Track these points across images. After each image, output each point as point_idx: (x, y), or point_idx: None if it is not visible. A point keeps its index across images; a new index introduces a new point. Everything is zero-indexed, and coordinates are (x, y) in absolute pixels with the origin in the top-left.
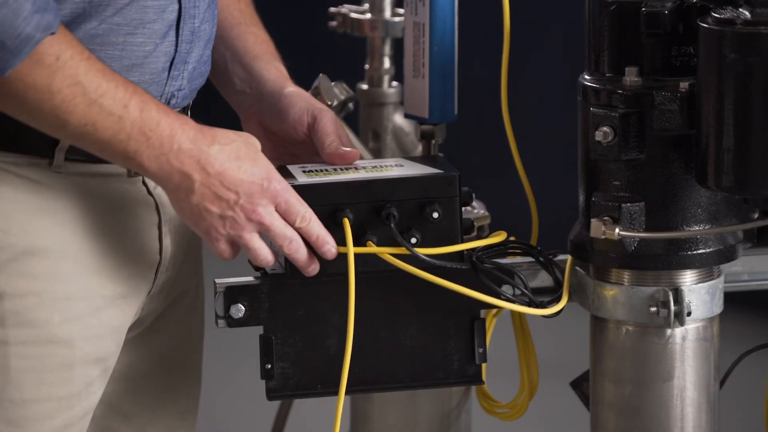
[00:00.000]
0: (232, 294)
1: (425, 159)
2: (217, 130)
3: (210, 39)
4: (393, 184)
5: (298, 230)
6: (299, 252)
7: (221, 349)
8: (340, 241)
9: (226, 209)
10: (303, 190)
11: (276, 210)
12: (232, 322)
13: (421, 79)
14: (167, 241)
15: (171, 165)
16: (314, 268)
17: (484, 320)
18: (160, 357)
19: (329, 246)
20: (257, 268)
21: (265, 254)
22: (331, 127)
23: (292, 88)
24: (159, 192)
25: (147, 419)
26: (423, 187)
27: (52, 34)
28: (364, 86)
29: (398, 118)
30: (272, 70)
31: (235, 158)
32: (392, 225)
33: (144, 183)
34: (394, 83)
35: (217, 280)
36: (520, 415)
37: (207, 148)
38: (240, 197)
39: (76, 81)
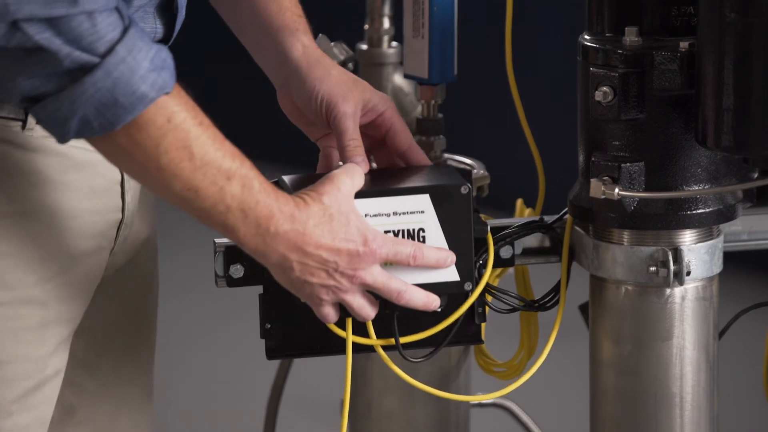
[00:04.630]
0: (232, 254)
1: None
2: (310, 197)
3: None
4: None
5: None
6: (413, 299)
7: (221, 307)
8: None
9: (327, 279)
10: None
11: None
12: (232, 282)
13: (420, 39)
14: (129, 198)
15: (267, 245)
16: (436, 303)
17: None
18: (122, 309)
19: (451, 258)
20: None
21: (366, 312)
22: (346, 123)
23: (317, 71)
24: None
25: (111, 372)
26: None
27: (167, 94)
28: (364, 46)
29: (398, 79)
30: (297, 45)
31: (329, 230)
32: (394, 323)
33: None
34: (394, 44)
35: (217, 240)
36: (516, 374)
37: (303, 227)
38: (339, 265)
39: (184, 145)
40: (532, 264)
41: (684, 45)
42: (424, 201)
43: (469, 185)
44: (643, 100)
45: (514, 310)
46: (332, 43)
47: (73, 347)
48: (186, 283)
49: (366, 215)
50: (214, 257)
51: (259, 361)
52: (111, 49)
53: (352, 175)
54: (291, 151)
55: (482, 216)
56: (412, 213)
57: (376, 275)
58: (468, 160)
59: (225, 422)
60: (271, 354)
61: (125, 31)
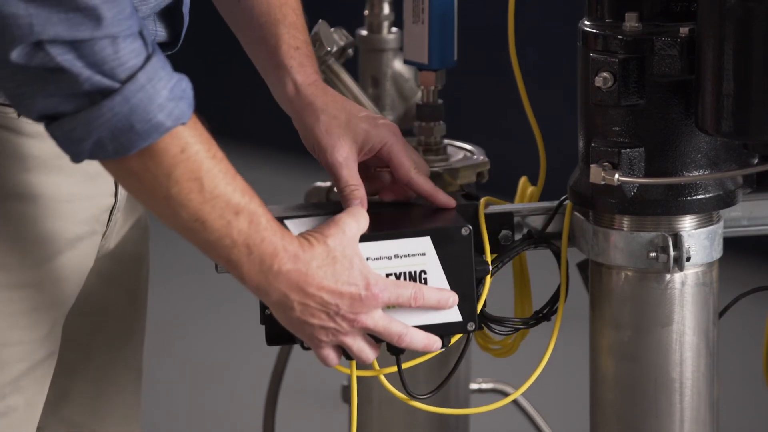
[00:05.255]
0: None
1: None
2: (315, 239)
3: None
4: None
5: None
6: (413, 342)
7: (220, 293)
8: None
9: (327, 321)
10: None
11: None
12: None
13: (420, 24)
14: None
15: (270, 283)
16: (437, 344)
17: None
18: (115, 291)
19: (453, 298)
20: None
21: (366, 355)
22: (339, 172)
23: (307, 117)
24: None
25: (104, 354)
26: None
27: (183, 124)
28: (364, 32)
29: (398, 64)
30: (290, 86)
31: (332, 272)
32: (398, 365)
33: None
34: (394, 29)
35: None
36: (511, 353)
37: (306, 268)
38: (340, 308)
39: (196, 176)
40: (531, 250)
41: (684, 30)
42: (425, 243)
43: (470, 227)
44: (643, 85)
45: (515, 330)
46: (332, 29)
47: (67, 330)
48: (186, 269)
49: (368, 259)
50: None
51: (258, 348)
52: (132, 76)
53: (357, 219)
54: (294, 144)
55: (486, 198)
56: (413, 255)
57: (377, 319)
58: (468, 146)
59: (224, 409)
60: (271, 340)
61: (148, 58)
